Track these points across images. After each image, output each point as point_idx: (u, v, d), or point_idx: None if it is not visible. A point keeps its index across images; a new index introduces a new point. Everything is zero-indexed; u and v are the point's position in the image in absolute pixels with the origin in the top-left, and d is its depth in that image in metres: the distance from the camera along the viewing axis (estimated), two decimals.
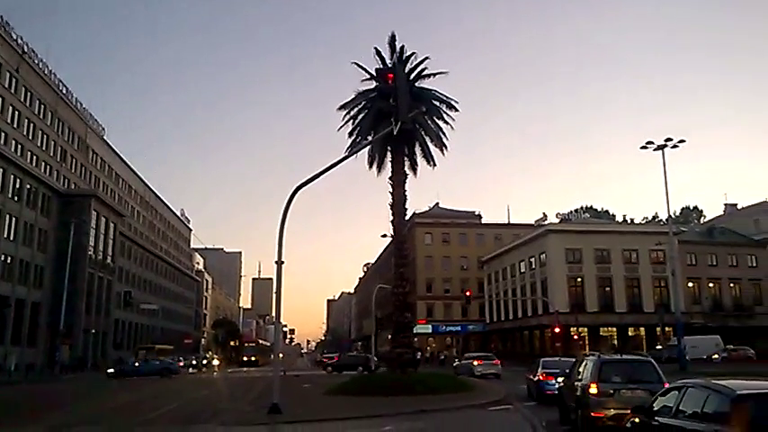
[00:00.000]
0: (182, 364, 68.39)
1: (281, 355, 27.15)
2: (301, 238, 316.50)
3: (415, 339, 43.82)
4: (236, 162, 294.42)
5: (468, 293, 58.18)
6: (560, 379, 17.90)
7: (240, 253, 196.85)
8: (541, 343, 62.77)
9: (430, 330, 79.22)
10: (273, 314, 19.78)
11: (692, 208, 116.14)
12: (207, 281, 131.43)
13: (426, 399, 20.43)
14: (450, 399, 21.04)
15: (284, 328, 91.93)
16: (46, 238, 55.56)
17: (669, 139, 41.07)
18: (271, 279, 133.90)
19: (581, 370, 14.18)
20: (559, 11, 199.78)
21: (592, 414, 12.54)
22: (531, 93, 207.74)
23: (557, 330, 51.13)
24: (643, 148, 42.00)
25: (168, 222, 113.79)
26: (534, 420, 15.53)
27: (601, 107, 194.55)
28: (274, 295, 18.67)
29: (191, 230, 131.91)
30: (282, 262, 17.69)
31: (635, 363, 14.49)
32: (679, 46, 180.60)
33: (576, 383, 13.93)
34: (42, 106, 63.56)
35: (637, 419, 9.02)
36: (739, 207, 78.33)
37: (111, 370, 45.87)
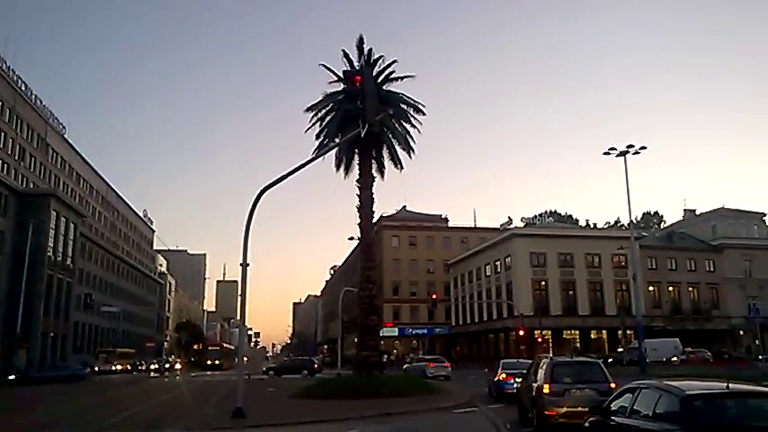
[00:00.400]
0: (144, 367, 67.58)
1: (245, 359, 26.86)
2: (267, 241, 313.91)
3: (382, 342, 43.84)
4: (201, 163, 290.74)
5: (434, 296, 58.16)
6: (519, 379, 19.35)
7: (204, 255, 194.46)
8: (506, 345, 63.46)
9: (396, 333, 79.31)
10: (238, 317, 19.56)
11: (652, 213, 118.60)
12: (170, 283, 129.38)
13: (392, 402, 20.42)
14: (416, 402, 21.07)
15: (249, 332, 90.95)
16: (3, 239, 53.87)
17: (631, 146, 41.92)
18: (236, 281, 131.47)
19: (536, 371, 15.08)
20: (527, 19, 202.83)
21: (546, 412, 13.54)
22: (497, 98, 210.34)
23: (521, 333, 51.68)
24: (606, 154, 42.80)
25: (130, 223, 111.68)
26: (499, 423, 15.65)
27: (566, 113, 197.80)
28: (239, 298, 18.48)
29: (154, 232, 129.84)
30: (248, 264, 17.55)
31: (584, 364, 15.87)
32: (640, 55, 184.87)
33: (532, 384, 14.79)
34: (0, 103, 61.80)
35: (594, 419, 9.36)
36: (698, 213, 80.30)
37: (13, 376, 41.35)
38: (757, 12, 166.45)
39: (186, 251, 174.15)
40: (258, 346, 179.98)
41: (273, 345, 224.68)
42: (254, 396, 22.31)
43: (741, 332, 65.05)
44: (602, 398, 12.34)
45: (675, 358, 52.01)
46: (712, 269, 69.66)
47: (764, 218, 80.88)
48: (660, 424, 7.18)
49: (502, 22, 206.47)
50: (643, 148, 41.91)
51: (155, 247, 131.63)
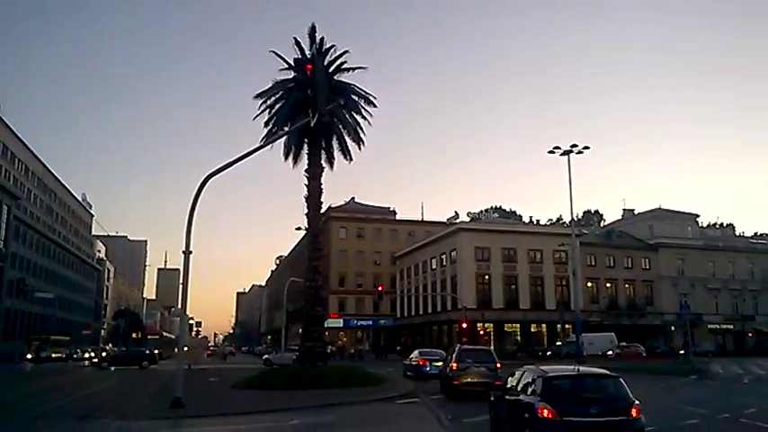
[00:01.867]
0: (80, 355, 65.29)
1: (185, 348, 26.37)
2: (212, 228, 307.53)
3: (326, 333, 43.81)
4: (144, 146, 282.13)
5: (380, 288, 58.63)
6: (437, 363, 27.37)
7: (145, 241, 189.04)
8: (449, 338, 64.20)
9: (341, 324, 79.30)
10: (179, 305, 19.17)
11: (593, 212, 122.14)
12: (109, 270, 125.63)
13: (336, 392, 20.45)
14: (359, 392, 21.16)
15: (190, 321, 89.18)
16: None
17: (575, 145, 42.92)
18: (178, 269, 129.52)
19: (451, 355, 22.56)
20: (477, 18, 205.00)
21: (454, 382, 20.94)
22: (446, 92, 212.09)
23: (464, 326, 52.42)
24: (550, 152, 43.74)
25: (68, 207, 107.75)
26: (440, 413, 15.87)
27: (512, 111, 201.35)
28: (181, 286, 18.11)
29: (92, 216, 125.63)
30: (190, 252, 17.21)
31: (481, 350, 24.68)
32: (584, 56, 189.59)
33: (448, 364, 22.17)
34: None
35: (497, 394, 12.45)
36: (636, 213, 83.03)
37: None
38: (698, 14, 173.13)
39: (126, 237, 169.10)
40: (200, 336, 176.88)
41: (216, 334, 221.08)
42: (194, 386, 21.95)
43: (673, 328, 67.77)
44: (491, 373, 20.10)
45: (611, 352, 53.70)
46: (648, 267, 72.28)
47: (698, 219, 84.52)
48: (532, 397, 10.20)
49: (453, 19, 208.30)
50: (586, 147, 42.95)
51: (93, 233, 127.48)
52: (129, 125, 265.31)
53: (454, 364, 21.14)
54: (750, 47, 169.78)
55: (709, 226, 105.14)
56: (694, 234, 79.29)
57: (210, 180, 17.09)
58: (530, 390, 10.46)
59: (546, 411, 9.57)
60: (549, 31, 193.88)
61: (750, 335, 73.60)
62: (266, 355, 52.20)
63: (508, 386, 11.77)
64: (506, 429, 11.52)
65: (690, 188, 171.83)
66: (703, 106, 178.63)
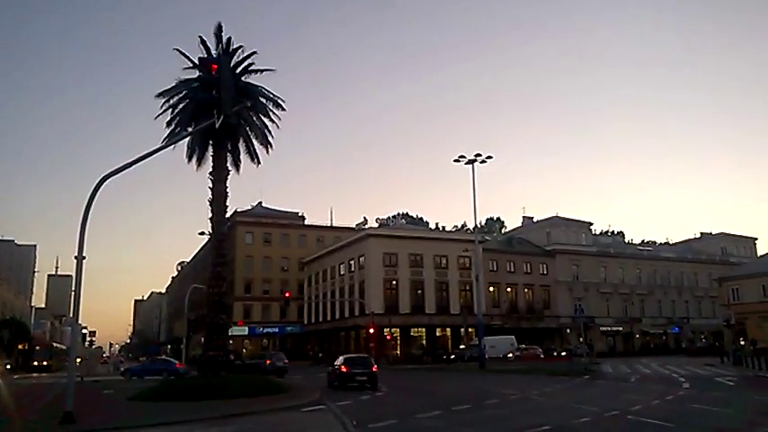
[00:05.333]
0: None
1: (78, 360, 24.86)
2: (108, 233, 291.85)
3: (231, 341, 42.84)
4: (35, 145, 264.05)
5: (287, 295, 57.93)
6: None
7: (34, 246, 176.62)
8: (356, 343, 64.40)
9: (246, 332, 77.57)
10: (71, 314, 18.05)
11: (495, 219, 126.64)
12: None
13: (239, 402, 19.92)
14: (264, 401, 20.72)
15: (83, 330, 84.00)
16: None
17: (478, 155, 44.51)
18: (70, 276, 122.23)
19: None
20: (385, 28, 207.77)
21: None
22: (355, 99, 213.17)
23: (371, 331, 52.81)
24: (456, 161, 45.04)
25: None
26: (346, 420, 15.83)
27: (419, 119, 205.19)
28: (73, 294, 17.04)
29: None
30: (84, 257, 16.20)
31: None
32: (487, 70, 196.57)
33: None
34: None
35: (330, 367, 29.89)
36: (535, 220, 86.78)
37: None
38: (598, 21, 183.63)
39: (13, 241, 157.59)
40: (94, 346, 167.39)
41: (111, 344, 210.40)
42: (87, 399, 20.73)
43: (568, 330, 71.31)
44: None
45: (511, 354, 55.74)
46: (545, 272, 75.69)
47: (591, 227, 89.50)
48: (339, 364, 27.82)
49: (363, 24, 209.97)
50: (489, 157, 44.65)
51: None
52: (18, 121, 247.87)
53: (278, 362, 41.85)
54: (650, 50, 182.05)
55: (601, 233, 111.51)
56: (588, 241, 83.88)
57: (107, 181, 16.21)
58: (339, 362, 27.07)
59: (343, 368, 26.62)
60: (453, 43, 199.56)
61: (637, 336, 78.79)
62: None
63: (334, 363, 28.76)
64: (331, 379, 27.69)
65: (584, 197, 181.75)
66: (598, 119, 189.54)
